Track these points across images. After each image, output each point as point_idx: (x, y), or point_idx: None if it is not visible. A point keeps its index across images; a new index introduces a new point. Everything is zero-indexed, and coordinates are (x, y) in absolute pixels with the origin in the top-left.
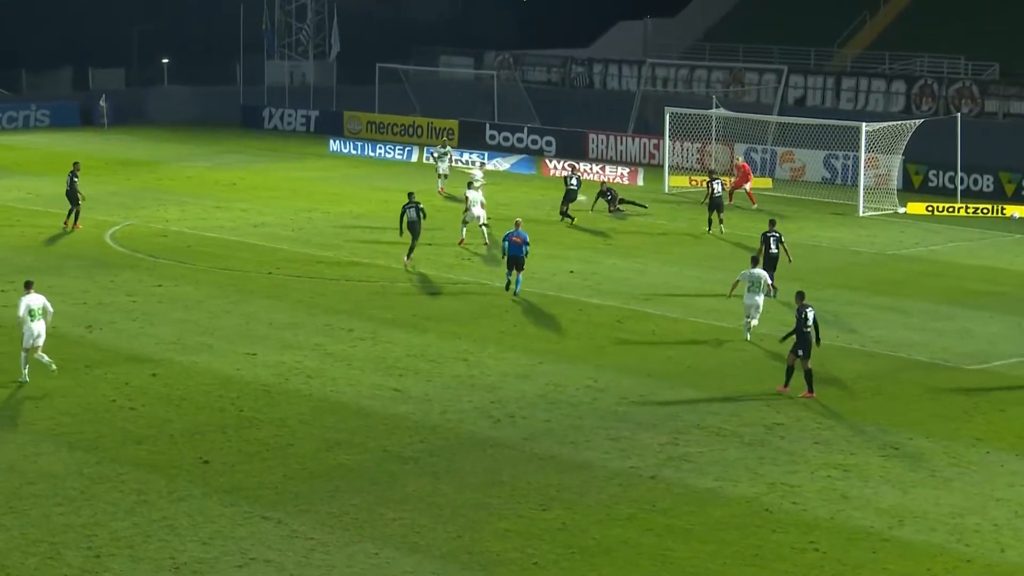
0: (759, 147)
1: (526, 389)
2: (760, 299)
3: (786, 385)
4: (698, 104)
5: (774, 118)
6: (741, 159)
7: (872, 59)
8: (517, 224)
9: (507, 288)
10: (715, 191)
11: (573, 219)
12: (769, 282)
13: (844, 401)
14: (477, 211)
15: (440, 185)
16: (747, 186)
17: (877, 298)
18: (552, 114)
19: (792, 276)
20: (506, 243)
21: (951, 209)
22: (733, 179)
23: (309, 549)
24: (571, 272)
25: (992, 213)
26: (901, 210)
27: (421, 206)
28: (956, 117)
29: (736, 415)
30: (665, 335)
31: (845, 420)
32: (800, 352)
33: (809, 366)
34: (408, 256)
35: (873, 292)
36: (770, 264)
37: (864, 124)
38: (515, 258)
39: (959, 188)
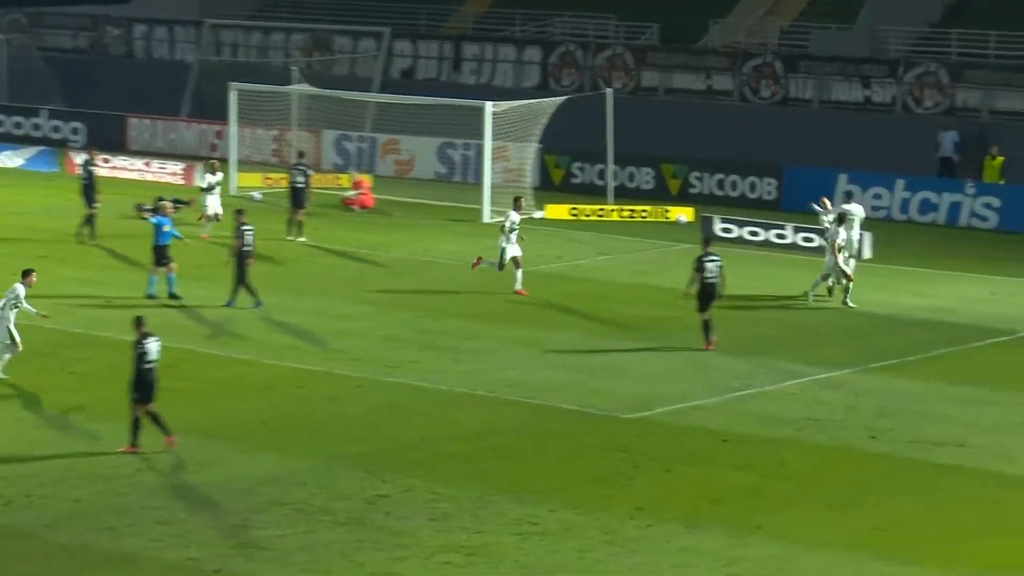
0: (354, 134)
1: (48, 458)
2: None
3: (133, 444)
4: (275, 78)
5: (374, 96)
6: (356, 176)
7: (499, 19)
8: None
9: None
10: (296, 181)
11: (92, 231)
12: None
13: (466, 464)
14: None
15: (206, 227)
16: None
17: (510, 329)
18: (81, 92)
19: (380, 300)
20: None
21: (601, 212)
22: (358, 193)
23: None
24: (108, 300)
25: (653, 217)
26: (538, 214)
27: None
28: (606, 94)
29: (328, 486)
30: (234, 382)
31: (468, 489)
32: (138, 394)
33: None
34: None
35: (504, 322)
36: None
37: (489, 103)
38: (158, 248)
39: (611, 185)
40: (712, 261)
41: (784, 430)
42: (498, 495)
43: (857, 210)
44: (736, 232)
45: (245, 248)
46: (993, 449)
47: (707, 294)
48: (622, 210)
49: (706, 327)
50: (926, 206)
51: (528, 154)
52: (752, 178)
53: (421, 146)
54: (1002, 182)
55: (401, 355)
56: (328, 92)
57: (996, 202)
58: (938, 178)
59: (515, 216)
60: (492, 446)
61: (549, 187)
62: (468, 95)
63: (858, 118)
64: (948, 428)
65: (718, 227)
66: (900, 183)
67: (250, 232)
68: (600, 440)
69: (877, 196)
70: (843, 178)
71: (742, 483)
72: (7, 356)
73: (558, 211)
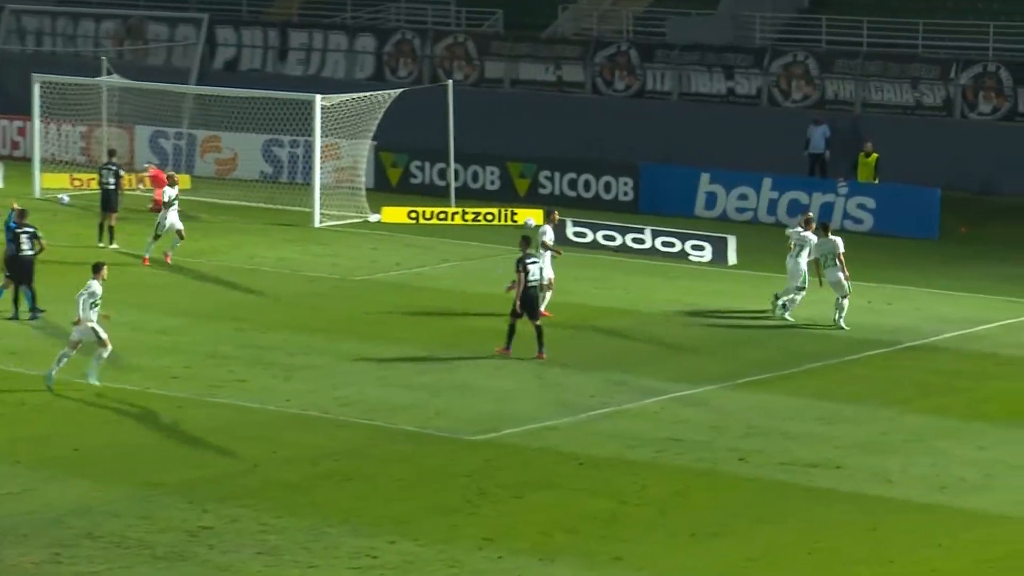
0: (171, 131)
1: None
2: (840, 275)
3: None
4: (83, 69)
5: (192, 88)
6: (150, 167)
7: (329, 5)
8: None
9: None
10: (107, 182)
11: None
12: (841, 251)
13: (298, 493)
14: None
15: (160, 247)
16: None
17: (344, 344)
18: None
19: (202, 312)
20: None
21: (443, 215)
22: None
23: None
24: None
25: (500, 220)
26: (374, 218)
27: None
28: (446, 86)
29: (146, 517)
30: (41, 404)
31: (301, 519)
32: None
33: None
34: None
35: (338, 335)
36: (22, 271)
37: (319, 96)
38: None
39: (453, 186)
40: (534, 263)
41: (644, 452)
42: (333, 526)
43: (812, 238)
44: (590, 236)
45: (23, 254)
46: (870, 471)
47: (532, 298)
48: (465, 213)
49: (538, 333)
50: (795, 207)
51: (362, 152)
52: (607, 177)
53: (244, 143)
54: (876, 181)
55: (226, 373)
56: (142, 84)
57: (871, 203)
58: (808, 177)
59: (551, 231)
60: (326, 472)
61: (385, 188)
62: (296, 87)
63: (721, 112)
64: (822, 448)
65: (570, 231)
66: (767, 182)
67: (28, 236)
68: (444, 464)
69: (742, 196)
70: (705, 177)
71: (599, 510)
72: (101, 359)
73: (395, 214)
